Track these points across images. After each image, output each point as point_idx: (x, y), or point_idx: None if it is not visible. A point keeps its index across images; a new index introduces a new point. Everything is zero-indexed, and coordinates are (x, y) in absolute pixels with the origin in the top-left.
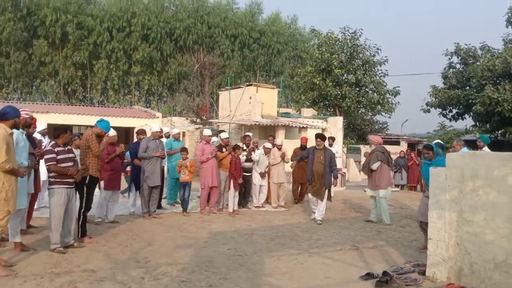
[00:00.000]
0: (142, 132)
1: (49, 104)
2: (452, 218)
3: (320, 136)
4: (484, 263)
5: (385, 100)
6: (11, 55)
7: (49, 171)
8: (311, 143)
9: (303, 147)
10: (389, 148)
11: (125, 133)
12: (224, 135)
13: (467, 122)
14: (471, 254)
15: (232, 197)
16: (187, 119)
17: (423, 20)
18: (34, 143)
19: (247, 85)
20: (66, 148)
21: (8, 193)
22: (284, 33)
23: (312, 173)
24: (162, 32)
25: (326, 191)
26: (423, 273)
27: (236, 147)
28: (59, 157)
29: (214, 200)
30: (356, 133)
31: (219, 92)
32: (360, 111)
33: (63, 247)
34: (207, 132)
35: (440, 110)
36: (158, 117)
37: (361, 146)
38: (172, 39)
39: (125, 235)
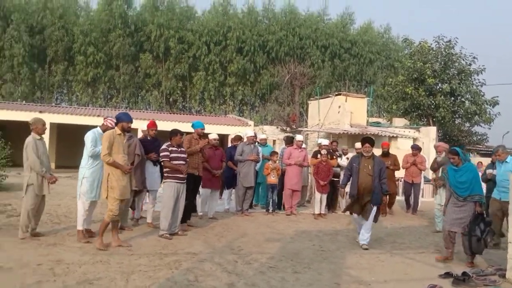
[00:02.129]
0: (238, 138)
1: (153, 112)
2: None
3: (368, 141)
4: None
5: (483, 110)
6: (121, 67)
7: (163, 167)
8: (398, 152)
9: (384, 154)
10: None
11: (221, 139)
12: (323, 141)
13: None
14: None
15: (318, 200)
16: (277, 127)
17: None
18: (157, 145)
19: (336, 95)
20: (179, 149)
21: (113, 183)
22: (376, 43)
23: (357, 187)
24: (255, 45)
25: (374, 209)
26: (503, 276)
27: (317, 153)
28: (172, 155)
29: (295, 201)
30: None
31: (309, 102)
32: (456, 122)
33: (170, 234)
34: (299, 137)
35: None
36: (250, 125)
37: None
38: (265, 51)
39: (221, 227)
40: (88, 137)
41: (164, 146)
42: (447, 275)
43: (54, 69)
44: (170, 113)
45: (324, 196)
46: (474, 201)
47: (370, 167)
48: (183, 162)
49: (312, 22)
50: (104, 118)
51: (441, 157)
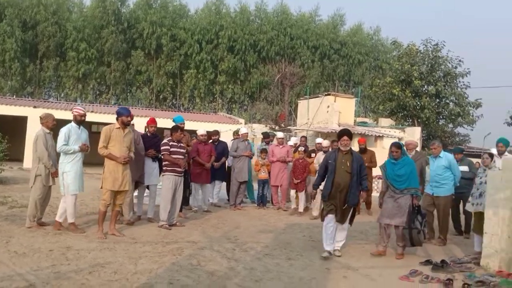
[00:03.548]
0: (215, 133)
1: (142, 109)
2: (505, 214)
3: (347, 133)
4: None
5: (466, 112)
6: (112, 64)
7: (163, 160)
8: (384, 151)
9: (361, 150)
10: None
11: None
12: (318, 140)
13: None
14: None
15: (293, 195)
16: (266, 126)
17: (507, 31)
18: (156, 142)
19: (326, 95)
20: (179, 144)
21: (106, 174)
22: (365, 44)
23: (332, 185)
24: (246, 44)
25: (351, 211)
26: (478, 264)
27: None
28: (172, 149)
29: (283, 196)
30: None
31: (298, 101)
32: (440, 123)
33: (169, 225)
34: (280, 134)
35: None
36: (241, 123)
37: None
38: (256, 50)
39: (216, 220)
40: (61, 133)
41: (165, 141)
42: (427, 262)
43: (45, 65)
44: (161, 110)
45: (301, 194)
46: (410, 193)
47: (348, 164)
48: (182, 157)
49: (303, 23)
50: (71, 109)
51: (411, 154)
